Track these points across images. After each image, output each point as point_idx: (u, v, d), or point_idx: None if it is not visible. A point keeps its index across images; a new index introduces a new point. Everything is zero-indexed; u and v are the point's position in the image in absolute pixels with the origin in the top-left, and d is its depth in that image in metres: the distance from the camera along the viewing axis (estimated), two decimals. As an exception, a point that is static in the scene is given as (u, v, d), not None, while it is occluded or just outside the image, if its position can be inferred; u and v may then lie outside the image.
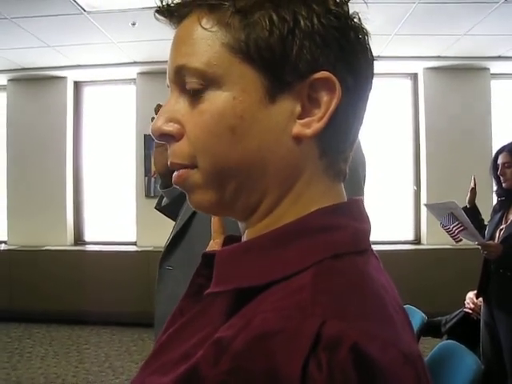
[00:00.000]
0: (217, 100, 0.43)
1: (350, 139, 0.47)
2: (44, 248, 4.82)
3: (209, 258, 0.48)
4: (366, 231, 0.46)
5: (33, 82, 5.01)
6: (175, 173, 0.47)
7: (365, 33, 0.46)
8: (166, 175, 1.30)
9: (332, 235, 0.43)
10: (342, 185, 0.49)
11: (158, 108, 1.25)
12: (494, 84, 4.87)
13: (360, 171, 0.97)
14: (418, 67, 4.82)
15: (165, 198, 1.38)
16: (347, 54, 0.44)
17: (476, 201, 2.62)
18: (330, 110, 0.43)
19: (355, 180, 0.94)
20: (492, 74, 4.84)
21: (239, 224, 0.51)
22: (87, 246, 5.16)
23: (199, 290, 0.50)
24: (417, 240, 4.96)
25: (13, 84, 5.06)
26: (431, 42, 4.22)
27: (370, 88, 0.48)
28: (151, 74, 4.88)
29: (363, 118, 0.48)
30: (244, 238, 0.50)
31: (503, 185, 2.37)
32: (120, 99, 5.22)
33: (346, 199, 0.49)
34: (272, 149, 0.44)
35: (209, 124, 0.43)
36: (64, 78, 5.02)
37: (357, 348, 0.32)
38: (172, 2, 0.46)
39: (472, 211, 2.56)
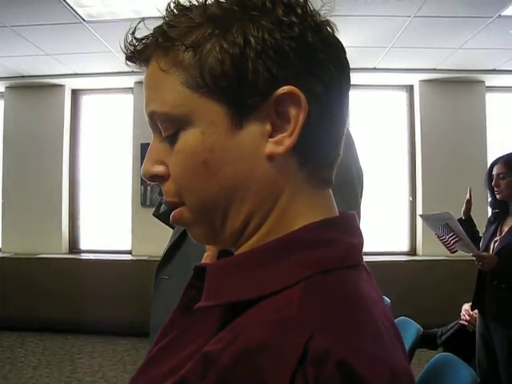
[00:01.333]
0: (188, 138, 0.44)
1: (330, 144, 0.46)
2: (38, 256, 4.79)
3: (200, 271, 0.48)
4: (358, 245, 0.46)
5: (31, 90, 5.01)
6: (172, 213, 0.49)
7: (329, 25, 0.45)
8: None
9: (322, 250, 0.42)
10: (330, 191, 0.49)
11: None
12: (489, 97, 4.93)
13: (357, 186, 0.97)
14: (414, 79, 4.87)
15: (163, 205, 1.38)
16: (309, 62, 0.43)
17: (471, 212, 2.63)
18: (299, 124, 0.42)
19: (351, 194, 0.94)
20: (487, 87, 4.89)
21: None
22: (82, 254, 5.12)
23: (191, 302, 0.50)
24: (412, 251, 4.96)
25: (10, 91, 5.06)
26: (427, 55, 4.26)
27: (347, 84, 0.47)
28: (149, 83, 4.91)
29: (345, 117, 0.47)
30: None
31: (497, 196, 2.38)
32: (117, 108, 5.24)
33: (334, 206, 0.48)
34: (247, 173, 0.44)
35: (184, 162, 0.45)
36: (62, 86, 5.03)
37: (343, 363, 0.32)
38: (134, 49, 0.47)
39: (467, 223, 2.57)
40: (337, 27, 0.45)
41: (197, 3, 0.45)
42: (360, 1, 3.04)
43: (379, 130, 4.85)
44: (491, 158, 4.16)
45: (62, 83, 5.00)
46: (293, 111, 0.43)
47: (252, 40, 0.42)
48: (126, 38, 0.47)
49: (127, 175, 5.05)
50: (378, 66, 4.41)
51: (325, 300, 0.38)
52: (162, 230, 4.55)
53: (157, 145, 0.48)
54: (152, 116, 0.47)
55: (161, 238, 4.98)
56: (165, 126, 0.45)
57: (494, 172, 2.40)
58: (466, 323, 2.57)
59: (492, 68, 4.58)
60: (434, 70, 4.63)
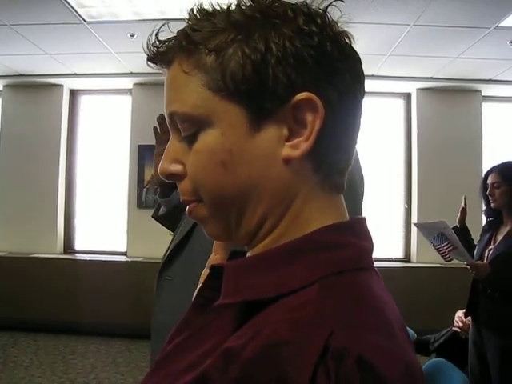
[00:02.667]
0: (207, 138, 0.46)
1: (343, 151, 0.48)
2: (33, 255, 4.77)
3: (217, 271, 0.49)
4: (369, 249, 0.48)
5: (29, 89, 5.01)
6: (187, 208, 0.50)
7: (346, 36, 0.47)
8: (165, 184, 1.31)
9: (337, 252, 0.44)
10: (341, 197, 0.50)
11: (160, 118, 1.27)
12: (485, 106, 4.97)
13: (359, 191, 0.99)
14: (412, 87, 4.91)
15: (162, 207, 1.38)
16: (327, 70, 0.44)
17: (466, 221, 2.66)
18: (316, 129, 0.44)
19: (354, 198, 0.96)
20: (483, 97, 4.94)
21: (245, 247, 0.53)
22: (77, 254, 5.11)
23: (206, 301, 0.52)
24: (407, 258, 4.98)
25: (8, 90, 5.05)
26: (425, 64, 4.30)
27: (362, 93, 0.48)
28: (147, 85, 4.92)
29: (358, 126, 0.49)
30: (249, 255, 0.51)
31: (492, 205, 2.40)
32: (115, 109, 5.24)
33: (345, 211, 0.50)
34: (263, 175, 0.45)
35: (202, 162, 0.46)
36: (60, 85, 5.03)
37: (362, 358, 0.34)
38: (157, 51, 0.48)
39: (462, 231, 2.58)
40: (354, 38, 0.47)
41: (219, 9, 0.47)
42: (360, 8, 3.07)
43: (376, 136, 4.88)
44: (486, 166, 4.19)
45: (61, 83, 5.00)
46: (309, 117, 0.44)
47: (273, 47, 0.43)
48: (149, 40, 0.48)
49: (124, 176, 5.05)
50: (376, 74, 4.45)
51: (341, 299, 0.40)
52: (158, 232, 4.52)
53: (175, 144, 0.49)
54: (172, 116, 0.48)
55: (156, 240, 4.95)
56: (184, 126, 0.47)
57: (489, 181, 2.42)
58: (459, 330, 2.59)
59: (489, 78, 4.63)
60: (432, 78, 4.67)
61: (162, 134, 1.29)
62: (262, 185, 0.46)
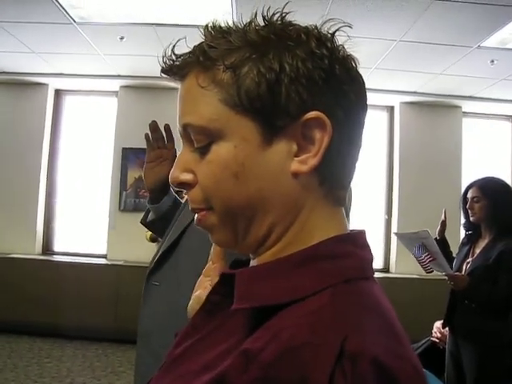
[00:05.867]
0: (221, 150, 0.48)
1: (347, 166, 0.51)
2: (10, 256, 4.68)
3: (227, 278, 0.51)
4: (370, 260, 0.51)
5: (13, 87, 4.94)
6: (196, 216, 0.52)
7: (353, 60, 0.50)
8: (154, 191, 1.31)
9: (343, 262, 0.47)
10: (343, 209, 0.53)
11: (152, 126, 1.27)
12: (465, 122, 5.11)
13: (347, 204, 1.02)
14: (395, 101, 5.01)
15: (151, 213, 1.38)
16: (335, 91, 0.47)
17: (445, 233, 2.71)
18: (324, 146, 0.47)
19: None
20: (464, 113, 5.08)
21: (250, 254, 0.55)
22: (56, 256, 5.03)
23: (214, 307, 0.54)
24: (386, 268, 5.06)
25: (-9, 87, 4.98)
26: (409, 78, 4.41)
27: (364, 113, 0.51)
28: (134, 88, 4.91)
29: (360, 143, 0.52)
30: (255, 263, 0.53)
31: (471, 218, 2.46)
32: (101, 111, 5.20)
33: (346, 223, 0.53)
34: (272, 188, 0.48)
35: (215, 172, 0.48)
36: (45, 85, 4.98)
37: (376, 360, 0.37)
38: (172, 64, 0.51)
39: (441, 243, 2.63)
40: (358, 61, 0.50)
41: (234, 28, 0.49)
42: (348, 21, 3.13)
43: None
44: (465, 180, 4.30)
45: (46, 82, 4.95)
46: (318, 134, 0.47)
47: (287, 67, 0.46)
48: (165, 52, 0.50)
49: (107, 179, 5.00)
50: (361, 86, 4.52)
51: (352, 306, 0.43)
52: (139, 235, 4.49)
53: (186, 154, 0.51)
54: (186, 127, 0.50)
55: (137, 244, 4.89)
56: (198, 137, 0.49)
57: (469, 195, 2.48)
58: (437, 340, 2.63)
59: (469, 95, 4.77)
60: (415, 92, 4.78)
61: (154, 141, 1.29)
62: (271, 196, 0.48)
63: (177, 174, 0.51)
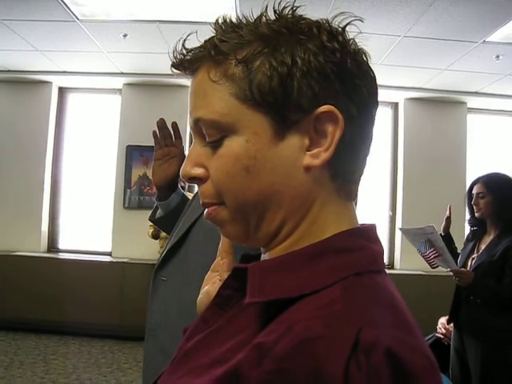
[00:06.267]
0: (232, 145, 0.48)
1: (358, 161, 0.51)
2: (15, 253, 4.70)
3: (239, 272, 0.51)
4: (381, 254, 0.51)
5: (17, 85, 4.96)
6: (206, 210, 0.52)
7: (364, 54, 0.50)
8: (162, 188, 1.32)
9: (354, 255, 0.47)
10: (353, 204, 0.53)
11: (160, 123, 1.27)
12: (470, 118, 5.09)
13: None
14: (400, 97, 4.99)
15: (159, 210, 1.39)
16: (347, 85, 0.47)
17: (450, 229, 2.71)
18: (335, 140, 0.47)
19: None
20: (469, 108, 5.06)
21: (261, 248, 0.55)
22: (61, 253, 5.05)
23: (225, 300, 0.54)
24: (390, 265, 5.05)
25: (-4, 85, 5.00)
26: (413, 74, 4.39)
27: (376, 108, 0.51)
28: (137, 85, 4.91)
29: (371, 138, 0.52)
30: (266, 256, 0.53)
31: (476, 214, 2.45)
32: (104, 108, 5.21)
33: (357, 217, 0.53)
34: (285, 182, 0.48)
35: (227, 167, 0.48)
36: (49, 83, 4.99)
37: (390, 351, 0.37)
38: (183, 59, 0.50)
39: (446, 239, 2.62)
40: (370, 56, 0.50)
41: (245, 22, 0.49)
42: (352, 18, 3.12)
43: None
44: (470, 176, 4.29)
45: (50, 80, 4.96)
46: (330, 128, 0.47)
47: (299, 61, 0.46)
48: (175, 47, 0.50)
49: (111, 176, 5.01)
50: (365, 82, 4.51)
51: (364, 298, 0.43)
52: (143, 233, 4.49)
53: (198, 149, 0.51)
54: (197, 122, 0.50)
55: (141, 241, 4.90)
56: (210, 132, 0.49)
57: (474, 191, 2.47)
58: (442, 336, 2.63)
59: (474, 90, 4.74)
60: (420, 88, 4.76)
61: (161, 139, 1.29)
62: (283, 190, 0.48)
63: (188, 168, 0.51)
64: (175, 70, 0.52)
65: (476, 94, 4.79)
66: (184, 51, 0.50)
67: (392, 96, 4.99)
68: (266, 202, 0.48)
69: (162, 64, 4.31)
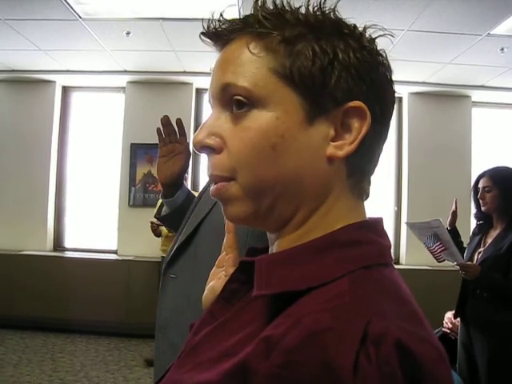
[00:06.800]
0: (261, 118, 0.47)
1: (374, 162, 0.52)
2: (21, 252, 4.73)
3: (246, 265, 0.51)
4: (389, 247, 0.51)
5: (21, 85, 4.97)
6: (213, 185, 0.51)
7: (390, 69, 0.52)
8: (168, 185, 1.32)
9: (363, 248, 0.47)
10: (364, 203, 0.54)
11: (164, 119, 1.27)
12: (475, 111, 5.06)
13: None
14: (404, 91, 4.97)
15: (165, 208, 1.39)
16: (376, 87, 0.49)
17: (456, 223, 2.70)
18: (361, 136, 0.48)
19: None
20: (473, 102, 5.02)
21: (268, 235, 0.55)
22: (67, 252, 5.08)
23: (232, 294, 0.54)
24: (396, 260, 5.04)
25: (0, 85, 5.00)
26: (417, 68, 4.36)
27: (392, 115, 0.53)
28: (141, 83, 4.91)
29: (385, 142, 0.53)
30: (274, 248, 0.53)
31: (482, 208, 2.44)
32: (108, 107, 5.22)
33: (366, 215, 0.53)
34: (307, 167, 0.48)
35: (253, 140, 0.47)
36: (53, 82, 5.00)
37: (400, 343, 0.37)
38: (220, 27, 0.51)
39: (452, 233, 2.62)
40: (393, 71, 0.53)
41: (288, 8, 0.50)
42: (357, 12, 3.10)
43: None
44: (475, 170, 4.27)
45: (53, 79, 4.97)
46: (356, 123, 0.48)
47: (340, 54, 0.47)
48: (212, 15, 0.51)
49: (116, 174, 5.03)
50: (369, 77, 4.49)
51: (373, 291, 0.43)
52: (149, 230, 4.49)
53: (217, 117, 0.50)
54: (226, 87, 0.49)
55: (147, 239, 4.90)
56: (239, 100, 0.48)
57: (480, 185, 2.46)
58: (449, 331, 2.63)
59: (479, 84, 4.71)
60: (424, 83, 4.73)
61: (165, 136, 1.29)
62: (304, 176, 0.48)
63: (202, 136, 0.50)
64: (205, 38, 0.52)
65: (481, 87, 4.76)
66: (221, 20, 0.50)
67: (396, 90, 4.95)
68: (286, 184, 0.48)
69: (165, 61, 4.31)
